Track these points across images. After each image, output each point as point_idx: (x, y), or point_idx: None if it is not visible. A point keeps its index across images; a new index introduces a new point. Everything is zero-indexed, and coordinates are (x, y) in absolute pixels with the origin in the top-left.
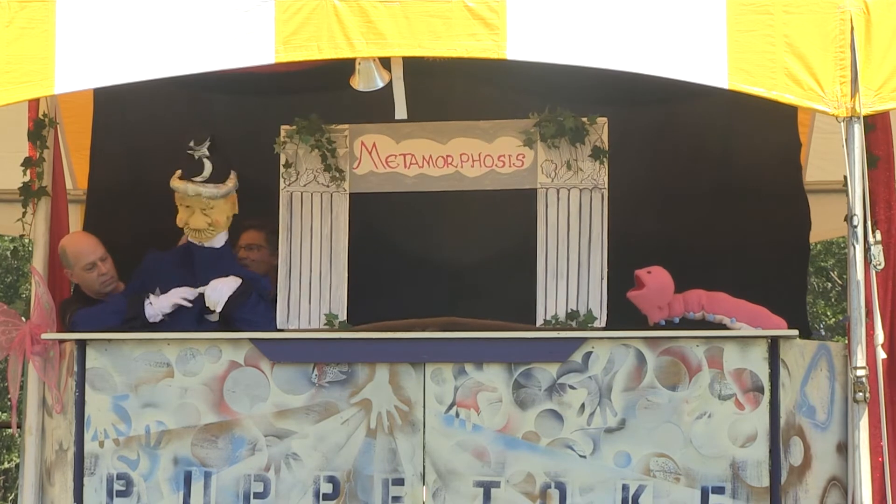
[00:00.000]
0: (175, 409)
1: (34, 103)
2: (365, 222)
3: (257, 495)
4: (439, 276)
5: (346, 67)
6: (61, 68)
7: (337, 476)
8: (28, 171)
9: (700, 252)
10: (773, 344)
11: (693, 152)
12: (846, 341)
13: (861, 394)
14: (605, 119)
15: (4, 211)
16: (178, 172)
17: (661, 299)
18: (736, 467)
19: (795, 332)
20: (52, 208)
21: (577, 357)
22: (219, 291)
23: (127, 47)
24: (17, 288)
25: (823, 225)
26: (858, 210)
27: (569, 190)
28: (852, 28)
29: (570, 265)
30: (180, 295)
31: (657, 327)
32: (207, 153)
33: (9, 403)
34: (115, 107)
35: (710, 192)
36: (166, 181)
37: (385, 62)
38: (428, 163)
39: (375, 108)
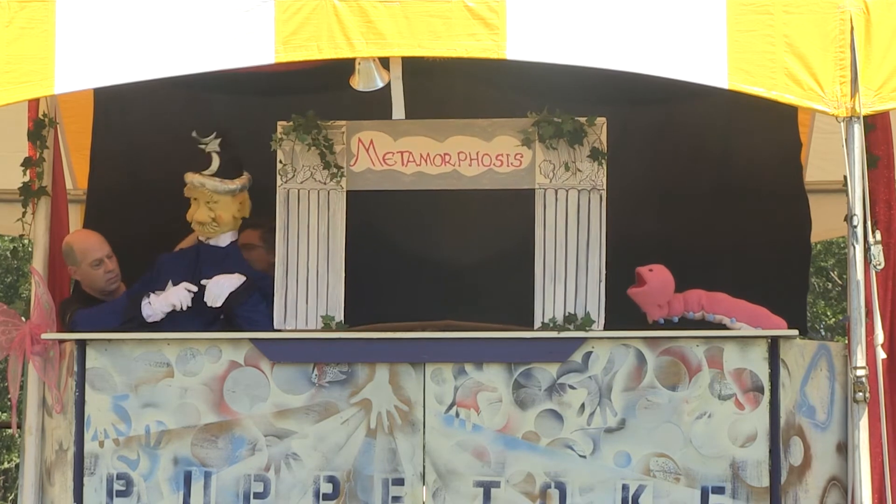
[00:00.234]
0: (175, 409)
1: (34, 103)
2: (362, 220)
3: (257, 495)
4: (437, 276)
5: (346, 67)
6: (61, 68)
7: (337, 476)
8: (28, 171)
9: (700, 252)
10: (773, 344)
11: (693, 152)
12: (846, 341)
13: (861, 394)
14: (603, 119)
15: (4, 211)
16: None
17: (661, 297)
18: (736, 467)
19: (795, 332)
20: (52, 208)
21: (577, 357)
22: (219, 286)
23: (127, 47)
24: (17, 288)
25: (823, 225)
26: (858, 210)
27: (567, 191)
28: (852, 28)
29: (569, 267)
30: (179, 294)
31: (656, 326)
32: (218, 149)
33: (9, 403)
34: (115, 107)
35: (709, 192)
36: (166, 181)
37: (385, 62)
38: (426, 161)
39: (375, 109)
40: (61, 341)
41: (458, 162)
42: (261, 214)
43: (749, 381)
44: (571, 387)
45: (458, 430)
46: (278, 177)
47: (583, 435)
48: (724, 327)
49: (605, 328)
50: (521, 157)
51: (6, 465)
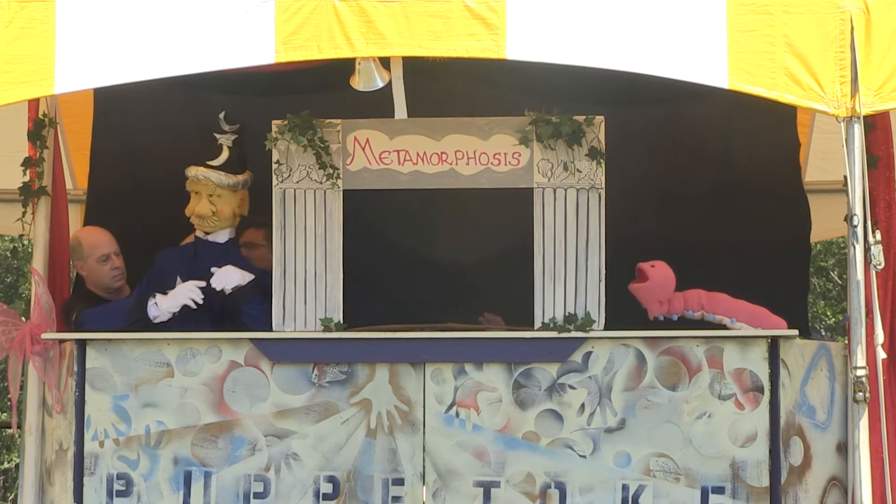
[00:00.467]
0: (175, 409)
1: (34, 103)
2: (359, 220)
3: (257, 495)
4: (435, 275)
5: (346, 67)
6: (61, 68)
7: (337, 476)
8: (28, 171)
9: (700, 252)
10: (773, 344)
11: (692, 152)
12: (846, 341)
13: (861, 394)
14: (601, 118)
15: (4, 211)
16: None
17: (662, 294)
18: (736, 467)
19: (795, 332)
20: (52, 208)
21: (577, 357)
22: (229, 276)
23: (127, 47)
24: (17, 288)
25: (823, 225)
26: (858, 210)
27: (565, 190)
28: (852, 28)
29: (568, 267)
30: (188, 292)
31: (655, 322)
32: (231, 143)
33: (9, 403)
34: (115, 107)
35: (709, 192)
36: (166, 180)
37: (385, 62)
38: (422, 159)
39: (375, 109)
40: (61, 341)
41: (456, 161)
42: (263, 214)
43: (749, 381)
44: (571, 387)
45: (458, 430)
46: (274, 176)
47: (583, 435)
48: (724, 327)
49: (605, 328)
50: (519, 155)
51: (6, 465)
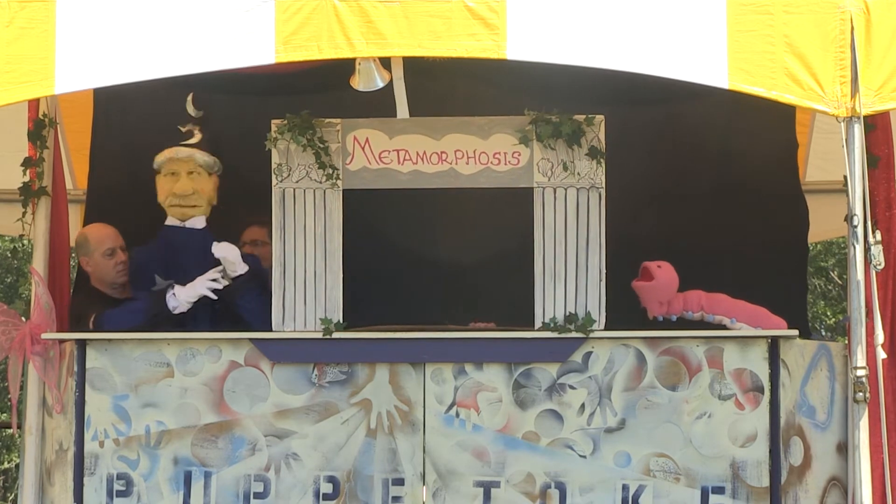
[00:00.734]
0: (175, 409)
1: (34, 103)
2: (358, 220)
3: (257, 495)
4: (435, 275)
5: (346, 67)
6: (61, 68)
7: (337, 476)
8: (28, 171)
9: (699, 252)
10: (773, 344)
11: (692, 152)
12: (846, 341)
13: (861, 394)
14: (601, 118)
15: (4, 211)
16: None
17: (665, 294)
18: (736, 467)
19: (795, 332)
20: (52, 208)
21: (577, 357)
22: (228, 248)
23: (127, 47)
24: (17, 288)
25: (823, 225)
26: (858, 210)
27: (566, 189)
28: (852, 28)
29: (568, 267)
30: (207, 282)
31: (655, 322)
32: (198, 127)
33: (9, 403)
34: (115, 107)
35: (709, 192)
36: None
37: (385, 62)
38: (422, 159)
39: (375, 108)
40: (61, 341)
41: (455, 160)
42: (263, 214)
43: (749, 381)
44: (571, 387)
45: (458, 430)
46: (273, 176)
47: (583, 435)
48: (723, 328)
49: (605, 328)
50: (519, 155)
51: (6, 465)
